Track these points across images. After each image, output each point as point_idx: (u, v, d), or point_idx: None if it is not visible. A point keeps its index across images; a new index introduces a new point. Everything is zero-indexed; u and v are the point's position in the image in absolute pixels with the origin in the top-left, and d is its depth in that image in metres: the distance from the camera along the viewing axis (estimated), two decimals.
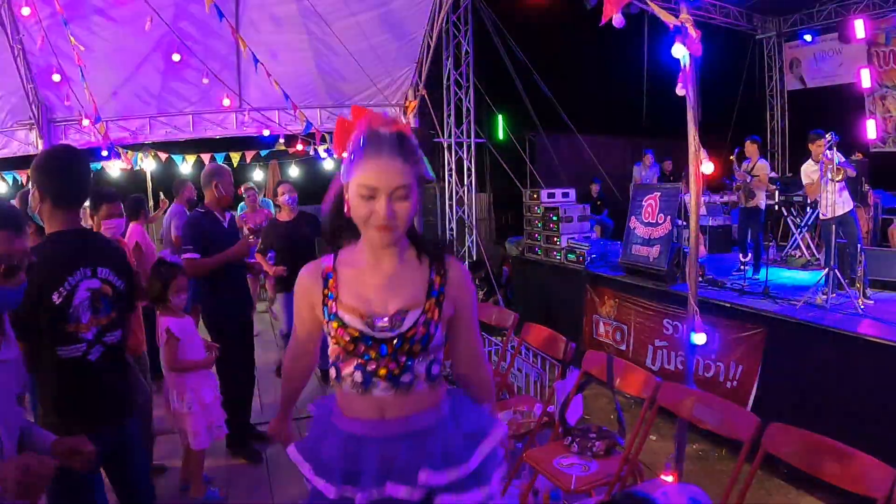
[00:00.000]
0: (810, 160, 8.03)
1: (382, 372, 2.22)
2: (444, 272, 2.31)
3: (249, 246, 5.68)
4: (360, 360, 2.23)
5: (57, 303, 2.87)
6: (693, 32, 4.60)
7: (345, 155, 2.20)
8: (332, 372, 2.32)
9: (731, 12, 14.45)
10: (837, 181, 7.40)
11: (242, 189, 9.73)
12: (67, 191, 3.04)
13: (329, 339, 2.29)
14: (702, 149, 4.83)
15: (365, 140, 2.11)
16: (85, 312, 2.98)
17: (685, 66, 4.75)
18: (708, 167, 4.96)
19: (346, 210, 2.21)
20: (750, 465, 3.38)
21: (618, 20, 4.92)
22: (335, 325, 2.24)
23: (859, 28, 11.33)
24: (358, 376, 2.23)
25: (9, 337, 2.33)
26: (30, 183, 3.02)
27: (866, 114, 12.95)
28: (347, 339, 2.22)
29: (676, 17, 4.70)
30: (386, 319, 2.21)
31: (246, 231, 6.94)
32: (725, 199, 11.68)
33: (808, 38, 14.43)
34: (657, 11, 4.66)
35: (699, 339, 4.90)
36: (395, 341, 2.20)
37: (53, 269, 2.90)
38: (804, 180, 8.36)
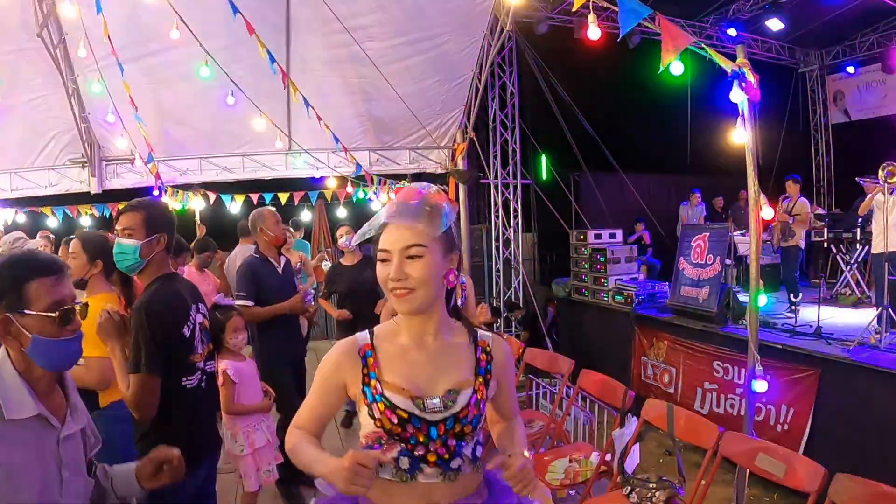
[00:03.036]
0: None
1: (431, 458, 2.10)
2: (489, 349, 2.28)
3: (300, 302, 5.70)
4: (405, 445, 2.10)
5: (187, 336, 3.16)
6: (751, 77, 4.61)
7: None
8: None
9: (773, 46, 14.43)
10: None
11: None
12: (173, 238, 3.33)
13: (369, 422, 2.13)
14: (762, 194, 4.83)
15: (389, 211, 2.11)
16: (199, 343, 3.26)
17: (743, 112, 4.76)
18: (768, 212, 4.96)
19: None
20: None
21: (676, 68, 4.95)
22: (381, 406, 2.10)
23: None
24: (404, 462, 2.10)
25: (77, 408, 2.26)
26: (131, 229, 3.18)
27: None
28: (395, 421, 2.08)
29: (733, 60, 4.72)
30: (437, 400, 2.12)
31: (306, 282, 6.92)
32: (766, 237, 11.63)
33: (850, 69, 14.35)
34: (715, 57, 4.68)
35: (760, 386, 4.87)
36: (446, 423, 2.11)
37: (182, 305, 3.23)
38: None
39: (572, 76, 12.18)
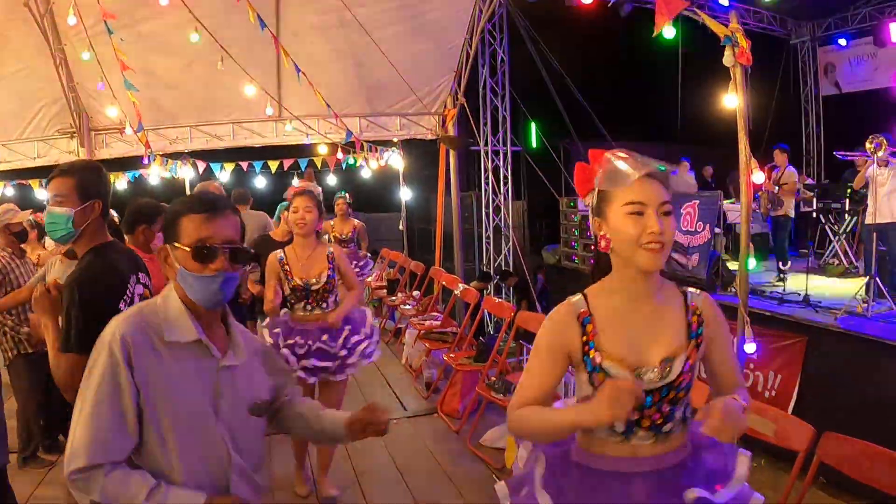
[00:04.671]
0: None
1: (645, 423, 2.12)
2: (699, 311, 2.21)
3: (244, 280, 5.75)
4: None
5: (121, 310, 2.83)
6: (743, 43, 4.60)
7: (591, 195, 2.18)
8: None
9: (765, 17, 14.39)
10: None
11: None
12: (109, 203, 3.09)
13: (588, 388, 2.14)
14: (752, 158, 4.83)
15: (612, 169, 2.07)
16: None
17: (735, 77, 4.76)
18: (759, 177, 4.96)
19: (602, 245, 2.14)
20: (801, 476, 3.41)
21: (668, 32, 4.94)
22: (600, 377, 2.11)
23: (895, 31, 11.24)
24: (619, 426, 2.12)
25: (240, 345, 2.28)
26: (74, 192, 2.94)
27: None
28: None
29: (726, 26, 4.71)
30: (656, 370, 2.11)
31: None
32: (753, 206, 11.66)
33: (842, 42, 14.32)
34: (708, 22, 4.67)
35: (750, 348, 4.90)
36: (661, 391, 2.11)
37: (117, 278, 2.97)
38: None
39: (563, 44, 12.15)
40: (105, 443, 1.93)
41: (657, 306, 2.19)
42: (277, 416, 2.45)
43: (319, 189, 4.95)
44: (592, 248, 2.08)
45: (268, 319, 4.94)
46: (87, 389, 1.97)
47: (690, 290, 2.27)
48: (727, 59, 4.74)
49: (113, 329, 2.03)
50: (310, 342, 4.82)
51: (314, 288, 4.84)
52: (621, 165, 2.06)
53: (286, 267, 4.82)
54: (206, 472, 2.09)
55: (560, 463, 2.28)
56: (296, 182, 11.60)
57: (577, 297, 2.21)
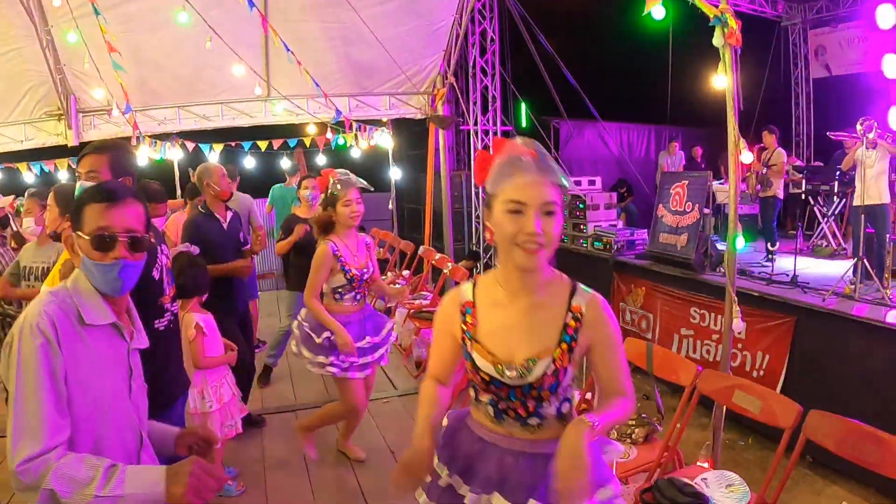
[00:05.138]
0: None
1: (511, 414, 2.27)
2: (580, 314, 2.23)
3: (246, 269, 5.77)
4: (493, 397, 2.29)
5: (156, 278, 3.15)
6: (733, 23, 4.60)
7: (486, 183, 2.20)
8: (472, 393, 2.40)
9: None
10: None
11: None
12: (136, 181, 3.32)
13: (468, 369, 2.34)
14: (741, 138, 4.84)
15: (509, 161, 2.12)
16: (166, 286, 3.27)
17: (724, 57, 4.76)
18: (747, 156, 4.98)
19: (487, 237, 2.22)
20: (787, 454, 3.44)
21: (658, 12, 4.93)
22: (469, 364, 2.29)
23: (886, 14, 11.21)
24: (490, 410, 2.32)
25: (141, 333, 2.39)
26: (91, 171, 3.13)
27: (892, 102, 12.77)
28: (479, 379, 2.28)
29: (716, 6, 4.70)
30: (515, 370, 2.19)
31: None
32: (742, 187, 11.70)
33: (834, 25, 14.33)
34: (698, 2, 4.66)
35: (738, 326, 4.92)
36: (523, 388, 2.21)
37: (150, 249, 3.04)
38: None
39: (553, 24, 12.14)
40: (54, 425, 1.92)
41: (537, 303, 2.25)
42: None
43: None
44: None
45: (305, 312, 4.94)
46: (26, 373, 1.94)
47: (581, 288, 2.30)
48: (717, 39, 4.74)
49: (37, 312, 2.02)
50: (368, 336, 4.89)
51: (364, 278, 4.87)
52: (507, 164, 2.12)
53: (341, 259, 4.76)
54: (121, 452, 2.13)
55: (459, 421, 2.51)
56: (286, 164, 11.62)
57: (468, 284, 2.34)
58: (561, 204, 2.13)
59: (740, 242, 5.08)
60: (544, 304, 2.25)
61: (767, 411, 3.60)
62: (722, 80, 4.85)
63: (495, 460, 2.28)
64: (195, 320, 4.55)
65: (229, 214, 5.86)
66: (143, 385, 2.32)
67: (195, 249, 4.91)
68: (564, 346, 2.20)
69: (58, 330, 1.99)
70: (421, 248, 10.09)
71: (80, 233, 2.16)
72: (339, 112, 10.27)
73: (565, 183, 2.14)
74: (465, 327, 2.30)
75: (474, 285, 2.35)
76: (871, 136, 7.36)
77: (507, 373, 2.20)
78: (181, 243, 5.41)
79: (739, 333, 5.34)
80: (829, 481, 5.55)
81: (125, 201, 2.20)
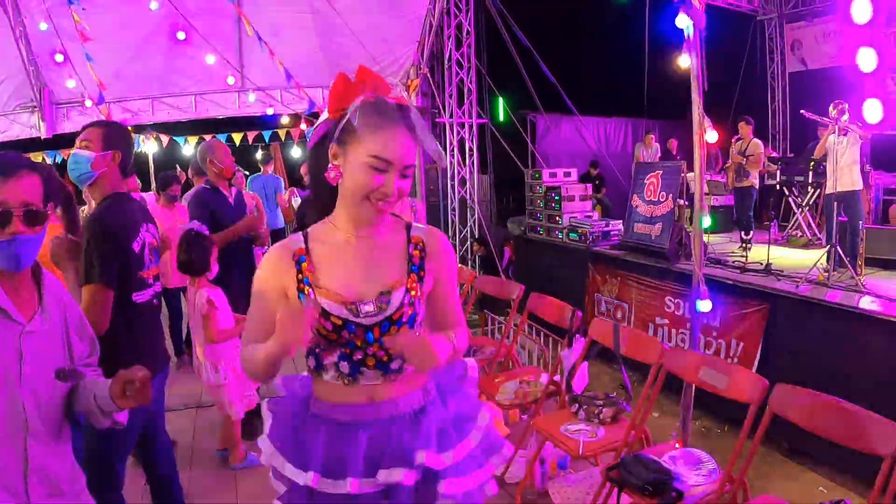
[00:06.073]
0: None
1: (370, 362, 2.10)
2: (422, 244, 2.21)
3: (256, 220, 5.62)
4: (344, 350, 2.10)
5: (137, 251, 3.21)
6: (697, 3, 4.62)
7: (340, 116, 2.05)
8: (311, 362, 2.17)
9: None
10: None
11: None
12: (130, 161, 3.39)
13: None
14: (706, 117, 4.86)
15: (376, 107, 1.99)
16: (148, 261, 3.33)
17: (689, 36, 4.78)
18: (712, 136, 5.00)
19: (331, 176, 2.07)
20: (755, 436, 3.41)
21: None
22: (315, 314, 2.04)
23: (861, 8, 11.26)
24: (344, 367, 2.10)
25: (49, 310, 2.23)
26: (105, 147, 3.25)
27: (866, 95, 12.84)
28: (330, 328, 2.06)
29: None
30: (371, 304, 2.08)
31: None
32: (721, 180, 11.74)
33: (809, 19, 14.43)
34: None
35: (705, 305, 4.91)
36: (381, 326, 2.08)
37: (133, 221, 3.29)
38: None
39: (530, 16, 12.14)
40: None
41: (378, 241, 2.17)
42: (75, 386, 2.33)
43: None
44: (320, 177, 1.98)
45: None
46: None
47: (415, 224, 2.26)
48: (681, 20, 4.78)
49: None
50: None
51: None
52: (379, 110, 1.99)
53: None
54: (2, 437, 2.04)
55: (299, 414, 2.24)
56: (259, 155, 11.57)
57: (297, 235, 2.19)
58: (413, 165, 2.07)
59: (706, 221, 5.07)
60: (385, 242, 2.18)
61: (734, 387, 3.58)
62: (686, 60, 4.88)
63: (365, 440, 2.10)
64: (206, 296, 4.59)
65: (234, 191, 5.76)
66: (44, 373, 2.15)
67: (204, 228, 4.85)
68: (413, 275, 2.16)
69: None
70: None
71: None
72: (312, 103, 10.22)
73: (438, 152, 2.10)
74: (300, 275, 2.11)
75: (305, 236, 2.18)
76: (844, 118, 7.41)
77: (364, 308, 2.07)
78: (189, 221, 5.31)
79: (707, 314, 5.33)
80: (806, 468, 5.54)
81: (19, 173, 2.08)
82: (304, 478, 2.07)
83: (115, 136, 3.30)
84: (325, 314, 2.05)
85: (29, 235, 2.08)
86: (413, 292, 2.13)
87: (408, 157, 2.01)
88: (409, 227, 2.24)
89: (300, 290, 2.10)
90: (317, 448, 2.10)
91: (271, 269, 2.16)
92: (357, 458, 2.06)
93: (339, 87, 2.08)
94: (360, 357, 2.09)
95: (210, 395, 4.98)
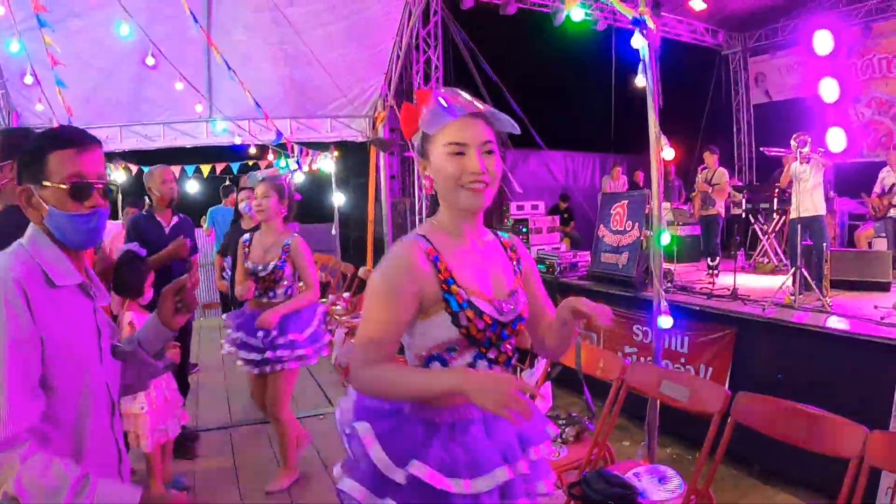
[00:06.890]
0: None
1: (501, 359, 2.11)
2: (514, 247, 2.29)
3: (178, 247, 5.48)
4: (480, 349, 2.06)
5: None
6: (651, 24, 4.71)
7: (416, 136, 2.13)
8: (434, 366, 2.07)
9: (698, 28, 14.80)
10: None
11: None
12: None
13: (440, 333, 2.03)
14: (662, 135, 4.92)
15: (437, 108, 2.01)
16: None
17: (644, 57, 4.87)
18: (669, 153, 5.07)
19: (426, 187, 2.15)
20: (719, 447, 3.40)
21: (577, 14, 5.04)
22: (469, 313, 2.00)
23: (823, 41, 11.45)
24: (481, 365, 2.07)
25: (100, 288, 2.18)
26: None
27: (829, 125, 13.03)
28: (481, 326, 2.02)
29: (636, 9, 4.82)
30: (511, 303, 2.12)
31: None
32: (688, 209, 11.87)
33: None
34: (617, 5, 4.77)
35: (665, 322, 4.93)
36: (513, 323, 2.11)
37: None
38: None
39: (498, 53, 12.20)
40: (23, 405, 1.76)
41: (484, 241, 2.21)
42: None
43: (280, 174, 4.93)
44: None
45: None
46: None
47: (494, 230, 2.30)
48: (636, 40, 4.89)
49: (2, 275, 1.83)
50: (241, 333, 4.83)
51: (261, 274, 4.79)
52: (441, 105, 2.02)
53: (247, 249, 4.88)
54: (93, 418, 1.97)
55: (398, 424, 2.10)
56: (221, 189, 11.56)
57: (413, 235, 2.12)
58: (497, 143, 2.07)
59: (666, 238, 5.09)
60: (487, 244, 2.22)
61: (696, 399, 3.58)
62: (641, 80, 4.98)
63: (483, 435, 2.07)
64: (130, 317, 4.46)
65: (175, 219, 5.74)
66: (108, 347, 2.13)
67: (142, 251, 4.77)
68: (519, 275, 2.23)
69: (27, 294, 1.82)
70: (361, 269, 10.05)
71: (47, 182, 1.95)
72: (279, 133, 10.21)
73: (509, 121, 2.08)
74: (442, 276, 2.03)
75: (423, 237, 2.09)
76: (805, 150, 7.55)
77: (505, 306, 2.10)
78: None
79: (668, 330, 5.35)
80: (779, 489, 5.52)
81: (93, 146, 2.02)
82: (458, 486, 1.94)
83: (12, 145, 3.05)
84: (478, 313, 2.03)
85: (105, 209, 2.04)
86: (525, 291, 2.22)
87: (481, 134, 2.02)
88: (495, 232, 2.30)
89: (446, 291, 2.02)
90: (456, 454, 2.00)
91: (408, 268, 2.02)
92: (490, 449, 2.03)
93: (406, 115, 2.15)
94: (493, 356, 2.09)
95: (124, 424, 4.48)
